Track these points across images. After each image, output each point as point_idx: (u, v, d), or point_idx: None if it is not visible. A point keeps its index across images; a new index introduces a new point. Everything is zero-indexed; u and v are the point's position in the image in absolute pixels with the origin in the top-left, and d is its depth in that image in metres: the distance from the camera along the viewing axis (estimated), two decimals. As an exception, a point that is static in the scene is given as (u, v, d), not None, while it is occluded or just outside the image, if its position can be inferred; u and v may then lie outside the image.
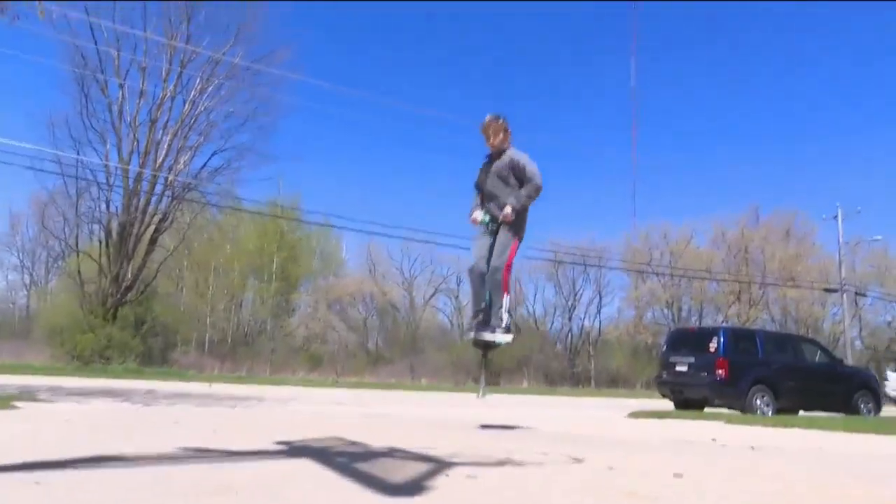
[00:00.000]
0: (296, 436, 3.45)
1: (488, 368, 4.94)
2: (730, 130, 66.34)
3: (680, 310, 43.10)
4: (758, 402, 11.39)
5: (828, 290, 34.74)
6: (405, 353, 40.04)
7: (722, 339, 12.01)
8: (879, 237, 36.76)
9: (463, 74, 67.92)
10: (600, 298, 45.80)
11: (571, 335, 46.10)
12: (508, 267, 4.87)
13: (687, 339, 13.28)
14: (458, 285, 47.14)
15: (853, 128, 62.88)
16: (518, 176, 4.94)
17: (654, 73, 59.91)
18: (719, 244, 44.04)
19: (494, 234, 4.93)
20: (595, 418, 7.25)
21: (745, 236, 42.88)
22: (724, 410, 11.08)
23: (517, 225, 4.93)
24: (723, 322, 38.78)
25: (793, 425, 6.20)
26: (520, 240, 5.01)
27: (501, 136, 5.06)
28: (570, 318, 46.04)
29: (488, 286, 4.87)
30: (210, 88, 22.85)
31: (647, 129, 67.38)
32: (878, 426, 6.13)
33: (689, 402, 11.95)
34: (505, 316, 4.85)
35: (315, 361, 36.68)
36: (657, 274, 41.77)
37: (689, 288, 42.19)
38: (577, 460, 2.53)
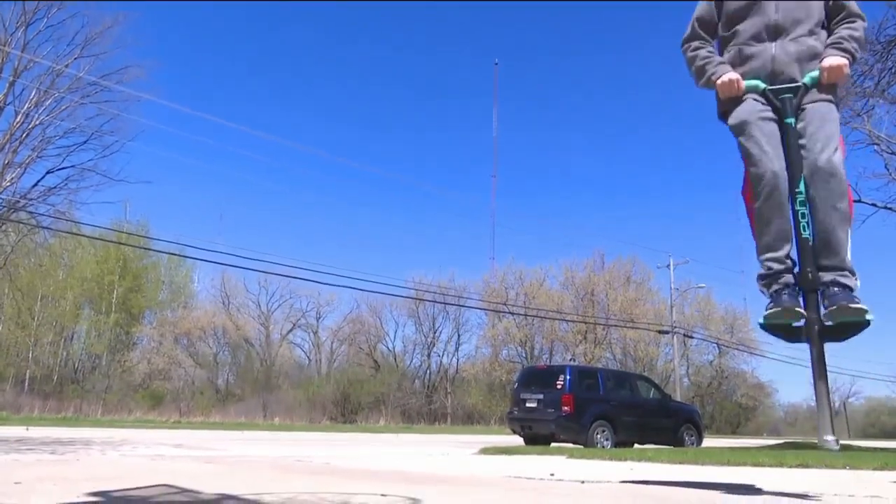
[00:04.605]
0: (117, 485, 3.14)
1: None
2: (583, 179, 71.69)
3: (533, 348, 45.09)
4: (598, 436, 12.11)
5: (661, 332, 38.05)
6: (258, 391, 38.22)
7: (568, 377, 12.71)
8: (703, 285, 41.12)
9: (314, 101, 67.84)
10: (458, 336, 46.84)
11: (430, 372, 46.53)
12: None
13: (537, 377, 13.91)
14: (318, 320, 46.08)
15: (683, 187, 70.74)
16: (839, 6, 2.94)
17: (518, 120, 63.47)
18: (569, 287, 46.90)
19: (791, 114, 2.78)
20: (446, 455, 7.31)
21: (592, 280, 46.06)
22: (569, 445, 11.65)
23: (835, 89, 2.89)
24: (570, 360, 41.08)
25: (626, 458, 6.65)
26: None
27: None
28: (429, 356, 46.51)
29: (821, 206, 2.69)
30: (48, 101, 20.87)
31: (509, 171, 70.86)
32: (698, 456, 6.73)
33: (536, 437, 12.45)
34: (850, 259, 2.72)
35: (156, 400, 33.91)
36: (512, 313, 43.51)
37: (542, 327, 44.37)
38: (415, 500, 2.53)
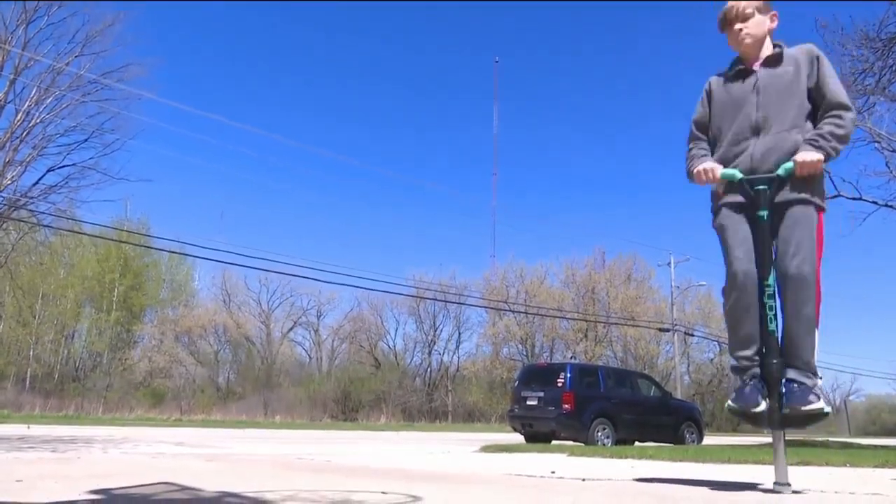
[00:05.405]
0: (118, 483, 3.14)
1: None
2: (583, 177, 71.73)
3: (533, 346, 45.10)
4: (598, 434, 12.12)
5: (661, 330, 38.05)
6: (259, 388, 38.24)
7: (569, 375, 12.71)
8: (704, 283, 41.11)
9: (309, 101, 67.90)
10: (459, 334, 46.85)
11: (431, 370, 46.52)
12: (818, 275, 2.82)
13: (538, 375, 13.91)
14: (319, 318, 46.10)
15: (684, 185, 70.82)
16: (821, 96, 2.92)
17: (518, 118, 63.44)
18: (570, 284, 46.89)
19: (765, 206, 2.83)
20: (447, 453, 7.31)
21: (593, 278, 46.05)
22: (570, 443, 11.65)
23: (817, 187, 2.90)
24: (571, 358, 41.07)
25: (626, 456, 6.65)
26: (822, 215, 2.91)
27: (769, 22, 3.06)
28: (429, 353, 46.53)
29: (788, 312, 2.79)
30: (49, 99, 20.85)
31: (509, 169, 70.87)
32: (699, 454, 6.73)
33: (537, 435, 12.46)
34: (814, 361, 2.85)
35: (157, 398, 33.95)
36: (513, 311, 43.51)
37: (542, 325, 44.37)
38: (416, 498, 2.53)
